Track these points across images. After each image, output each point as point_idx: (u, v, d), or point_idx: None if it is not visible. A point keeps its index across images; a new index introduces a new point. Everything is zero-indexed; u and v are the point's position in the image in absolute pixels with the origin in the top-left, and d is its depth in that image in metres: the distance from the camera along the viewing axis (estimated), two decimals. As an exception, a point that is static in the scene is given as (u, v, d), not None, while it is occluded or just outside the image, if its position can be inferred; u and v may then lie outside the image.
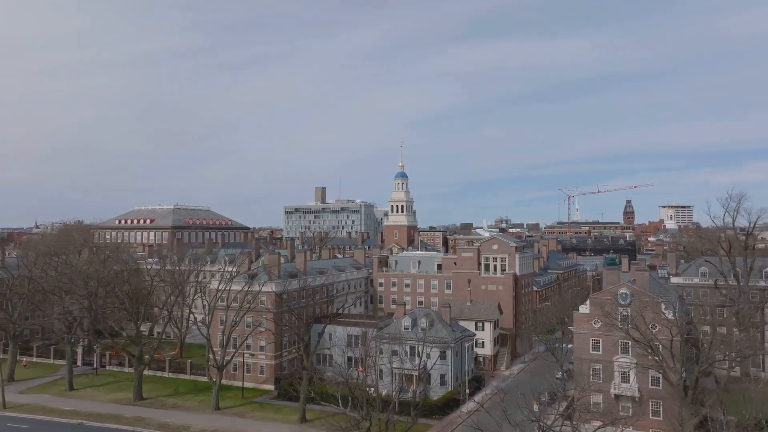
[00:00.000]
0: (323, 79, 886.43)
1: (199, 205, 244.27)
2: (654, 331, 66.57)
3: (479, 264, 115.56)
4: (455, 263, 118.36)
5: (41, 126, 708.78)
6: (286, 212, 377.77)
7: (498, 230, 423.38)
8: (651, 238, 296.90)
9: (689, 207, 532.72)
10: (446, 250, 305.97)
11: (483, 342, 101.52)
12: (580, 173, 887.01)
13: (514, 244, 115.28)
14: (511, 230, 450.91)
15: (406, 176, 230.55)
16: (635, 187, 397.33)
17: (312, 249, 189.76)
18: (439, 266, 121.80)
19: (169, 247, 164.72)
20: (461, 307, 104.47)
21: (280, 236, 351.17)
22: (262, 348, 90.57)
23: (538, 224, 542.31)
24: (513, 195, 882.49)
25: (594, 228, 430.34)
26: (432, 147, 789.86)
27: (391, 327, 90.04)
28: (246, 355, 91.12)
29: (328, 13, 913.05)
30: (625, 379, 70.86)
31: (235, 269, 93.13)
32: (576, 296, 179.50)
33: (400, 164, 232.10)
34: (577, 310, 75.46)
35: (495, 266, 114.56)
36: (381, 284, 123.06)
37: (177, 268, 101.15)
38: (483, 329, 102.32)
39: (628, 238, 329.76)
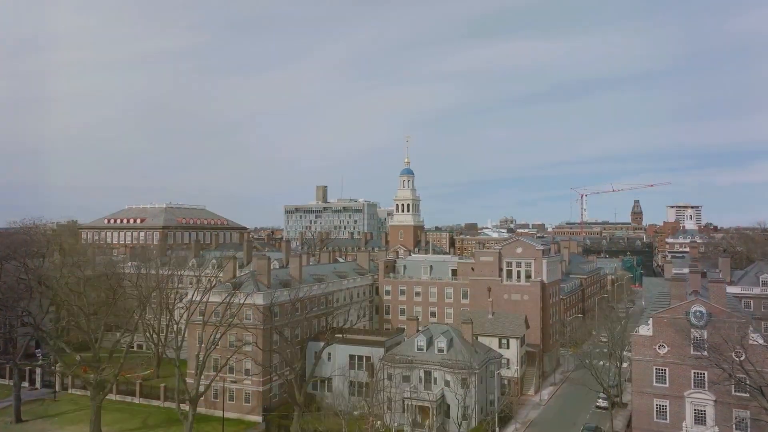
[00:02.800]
0: (325, 78, 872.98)
1: (193, 204, 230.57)
2: (740, 359, 51.89)
3: (500, 270, 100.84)
4: (473, 269, 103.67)
5: (42, 126, 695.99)
6: (287, 212, 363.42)
7: (506, 231, 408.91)
8: (669, 239, 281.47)
9: (698, 207, 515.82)
10: (454, 252, 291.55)
11: (507, 362, 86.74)
12: (582, 173, 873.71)
13: (541, 247, 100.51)
14: (519, 231, 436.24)
15: (413, 173, 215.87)
16: (652, 185, 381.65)
17: (311, 251, 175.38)
18: (454, 272, 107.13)
19: (154, 248, 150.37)
20: (482, 321, 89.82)
21: (280, 237, 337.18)
22: (247, 371, 75.94)
23: (543, 224, 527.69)
24: (515, 195, 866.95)
25: (605, 228, 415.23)
26: (433, 147, 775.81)
27: (401, 347, 75.39)
28: (228, 380, 76.60)
29: (330, 13, 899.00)
30: (700, 420, 56.12)
31: (212, 275, 78.59)
32: (602, 305, 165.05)
33: (406, 160, 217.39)
34: (636, 331, 60.74)
35: (519, 272, 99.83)
36: (388, 292, 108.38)
37: (145, 272, 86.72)
38: (508, 347, 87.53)
39: (644, 239, 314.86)
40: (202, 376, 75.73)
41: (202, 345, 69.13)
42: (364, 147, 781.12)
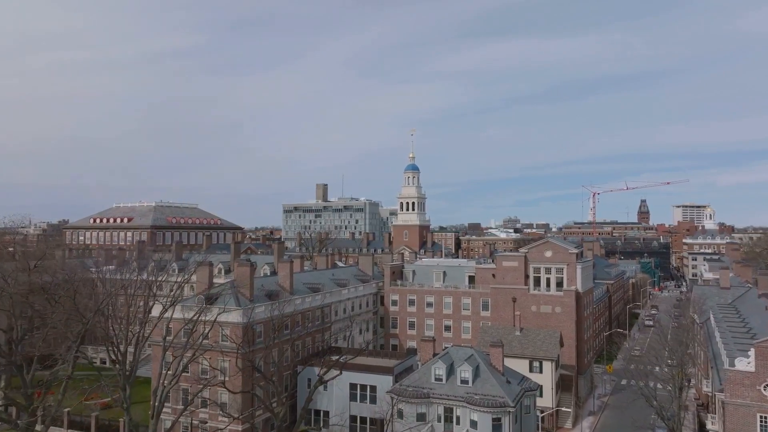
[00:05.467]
0: (327, 78, 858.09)
1: (185, 202, 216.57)
2: None
3: (526, 276, 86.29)
4: (493, 275, 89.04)
5: (43, 125, 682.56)
6: (285, 211, 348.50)
7: (512, 231, 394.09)
8: (688, 240, 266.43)
9: (704, 207, 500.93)
10: (460, 254, 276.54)
11: (540, 389, 71.96)
12: (583, 173, 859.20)
13: (575, 250, 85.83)
14: (527, 231, 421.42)
15: (418, 169, 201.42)
16: (668, 183, 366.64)
17: (309, 253, 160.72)
18: (471, 278, 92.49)
19: (132, 250, 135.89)
20: (508, 339, 75.16)
21: (278, 237, 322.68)
22: (223, 406, 61.18)
23: (548, 224, 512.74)
24: (516, 195, 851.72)
25: (615, 228, 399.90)
26: (434, 147, 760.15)
27: (415, 376, 60.58)
28: (201, 415, 62.06)
29: (332, 12, 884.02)
30: (826, 488, 41.49)
31: (178, 284, 63.92)
32: (629, 313, 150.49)
33: (411, 155, 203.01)
34: (731, 365, 46.03)
35: (548, 279, 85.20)
36: (394, 302, 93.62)
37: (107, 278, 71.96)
38: (541, 371, 72.92)
39: (661, 240, 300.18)
40: (172, 410, 61.89)
41: (163, 374, 54.67)
42: (366, 146, 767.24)
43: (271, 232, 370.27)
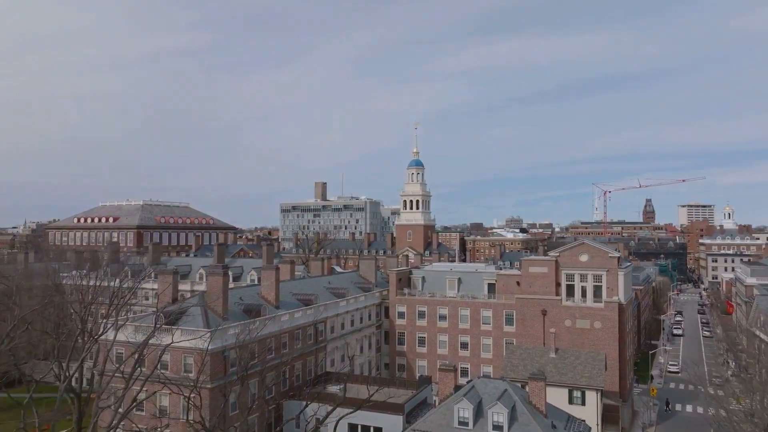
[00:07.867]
0: (328, 77, 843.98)
1: (175, 201, 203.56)
2: None
3: (557, 285, 72.95)
4: (518, 283, 75.65)
5: (42, 125, 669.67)
6: (283, 210, 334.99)
7: (519, 230, 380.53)
8: (706, 240, 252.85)
9: (710, 206, 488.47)
10: (466, 256, 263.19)
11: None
12: (583, 173, 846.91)
13: (616, 254, 72.45)
14: (531, 231, 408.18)
15: (422, 165, 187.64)
16: (683, 180, 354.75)
17: (305, 256, 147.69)
18: (491, 287, 79.00)
19: (105, 252, 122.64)
20: (541, 362, 61.90)
21: (276, 237, 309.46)
22: (186, 455, 47.83)
23: (551, 224, 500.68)
24: (517, 195, 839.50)
25: (623, 228, 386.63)
26: (436, 146, 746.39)
27: (433, 418, 46.96)
28: (159, 466, 48.72)
29: (334, 11, 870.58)
30: None
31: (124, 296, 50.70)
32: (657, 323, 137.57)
33: (415, 150, 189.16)
34: None
35: (584, 288, 71.86)
36: (401, 314, 80.00)
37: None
38: (583, 403, 59.58)
39: (676, 240, 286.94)
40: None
41: (97, 414, 41.36)
42: (366, 146, 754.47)
43: (269, 233, 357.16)
